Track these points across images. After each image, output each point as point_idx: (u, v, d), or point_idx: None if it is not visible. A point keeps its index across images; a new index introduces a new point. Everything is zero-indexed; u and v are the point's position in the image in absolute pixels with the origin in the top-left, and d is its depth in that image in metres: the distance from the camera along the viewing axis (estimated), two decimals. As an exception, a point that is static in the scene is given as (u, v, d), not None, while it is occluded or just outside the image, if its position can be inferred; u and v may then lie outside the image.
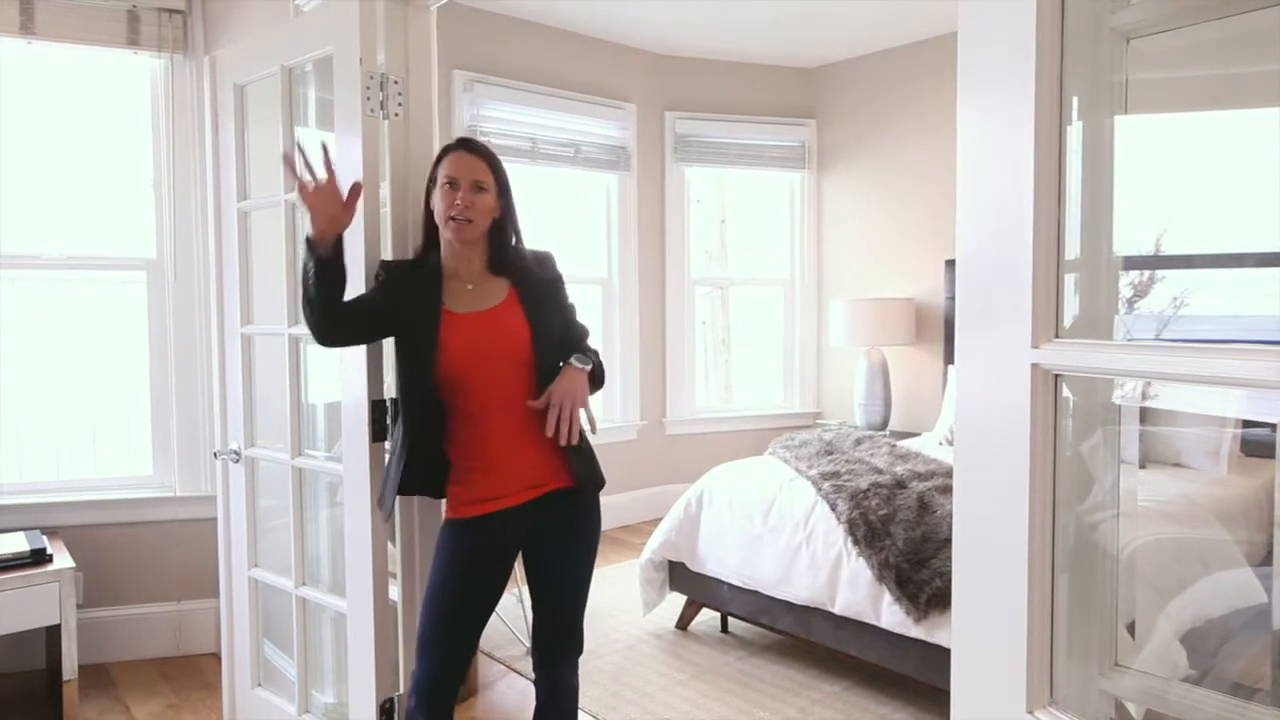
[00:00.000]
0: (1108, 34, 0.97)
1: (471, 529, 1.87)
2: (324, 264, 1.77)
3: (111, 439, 3.41)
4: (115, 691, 3.00)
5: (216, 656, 2.63)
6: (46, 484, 3.22)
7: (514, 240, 1.96)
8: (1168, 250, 1.23)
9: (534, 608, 2.00)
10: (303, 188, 1.75)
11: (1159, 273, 1.24)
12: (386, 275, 1.94)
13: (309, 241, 1.78)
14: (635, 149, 5.13)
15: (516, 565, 2.01)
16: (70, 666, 2.76)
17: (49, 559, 2.80)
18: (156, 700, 2.93)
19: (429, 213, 1.92)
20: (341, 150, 2.06)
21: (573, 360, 1.88)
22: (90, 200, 3.32)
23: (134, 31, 3.12)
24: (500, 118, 4.51)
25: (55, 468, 3.30)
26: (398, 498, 1.98)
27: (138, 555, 3.22)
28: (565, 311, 2.00)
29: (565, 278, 2.02)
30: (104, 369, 3.38)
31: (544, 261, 1.99)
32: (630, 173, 5.12)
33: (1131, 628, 1.30)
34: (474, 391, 1.85)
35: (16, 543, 2.83)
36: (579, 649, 2.00)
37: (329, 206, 1.76)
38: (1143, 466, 3.05)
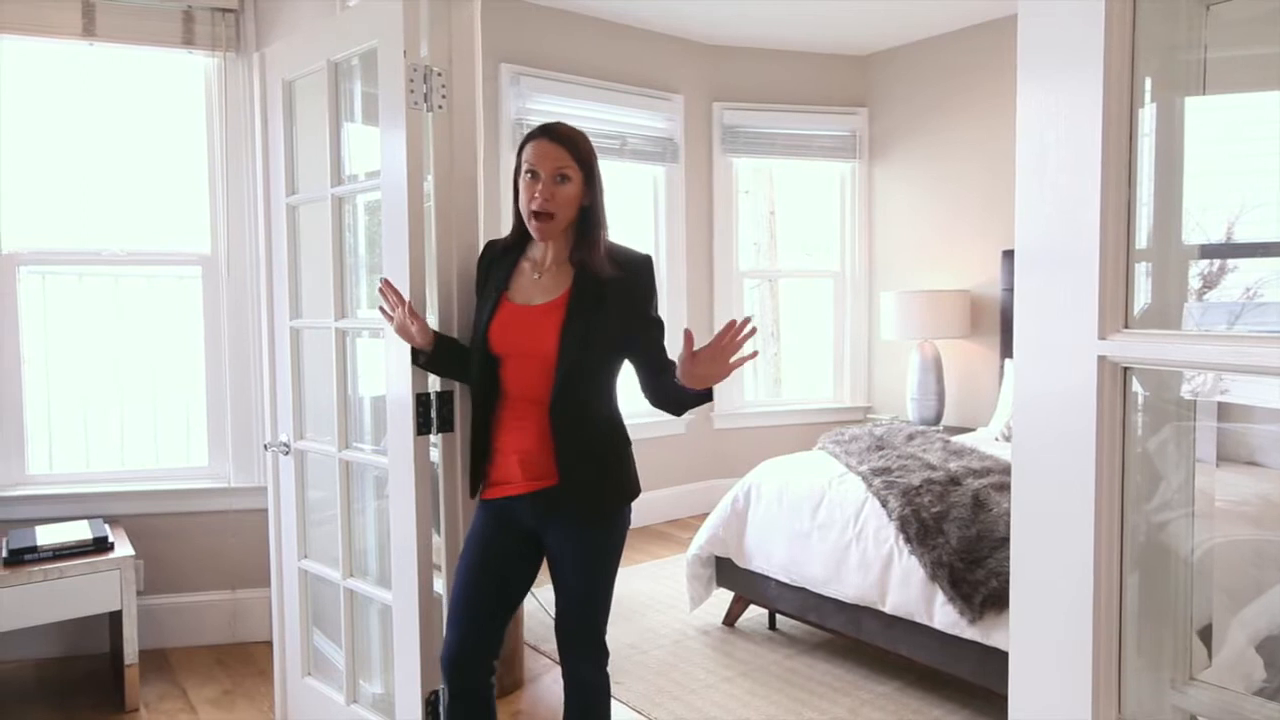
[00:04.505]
0: (1185, 1, 0.91)
1: (487, 510, 1.95)
2: (430, 358, 1.97)
3: (171, 431, 3.50)
4: (174, 676, 3.08)
5: (270, 644, 2.68)
6: (109, 474, 3.31)
7: (599, 231, 1.85)
8: (1241, 237, 1.15)
9: (555, 604, 1.98)
10: (398, 326, 1.95)
11: (1230, 262, 1.16)
12: (479, 266, 2.03)
13: (414, 352, 2.00)
14: (682, 140, 5.08)
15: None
16: (131, 651, 2.85)
17: (110, 547, 2.88)
18: (213, 686, 3.00)
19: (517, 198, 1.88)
20: (386, 143, 2.07)
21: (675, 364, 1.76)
22: (149, 198, 3.40)
23: (189, 31, 3.19)
24: (547, 110, 4.50)
25: (120, 458, 3.40)
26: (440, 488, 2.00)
27: (194, 544, 3.30)
28: (636, 325, 1.86)
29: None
30: (164, 362, 3.46)
31: (632, 267, 1.86)
32: (678, 164, 5.08)
33: (1204, 636, 1.22)
34: (505, 378, 1.89)
35: (80, 531, 2.92)
36: (598, 649, 1.93)
37: (408, 330, 1.94)
38: (1215, 465, 2.91)
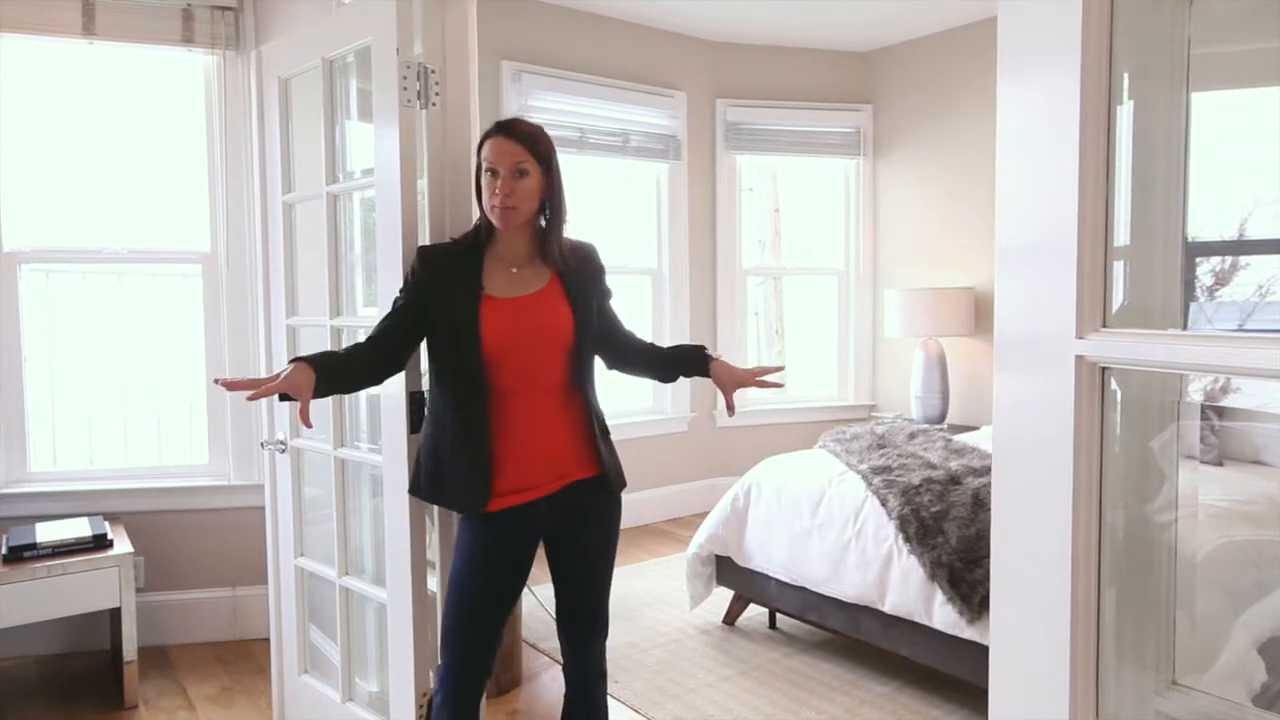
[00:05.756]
0: (1167, -4, 0.89)
1: (496, 523, 1.84)
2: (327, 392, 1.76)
3: (172, 428, 3.51)
4: (173, 673, 3.09)
5: (269, 642, 2.69)
6: (110, 471, 3.33)
7: (561, 223, 1.90)
8: (1248, 235, 1.13)
9: (558, 595, 1.98)
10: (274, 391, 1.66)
11: (1242, 259, 1.14)
12: (422, 267, 1.87)
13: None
14: (685, 137, 5.07)
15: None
16: (130, 648, 2.86)
17: (110, 544, 2.89)
18: (212, 683, 3.01)
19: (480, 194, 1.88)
20: (379, 141, 2.06)
21: (710, 353, 2.04)
22: (150, 196, 3.41)
23: (188, 29, 3.19)
24: (549, 108, 4.50)
25: (122, 455, 3.41)
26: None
27: (194, 541, 3.31)
28: (606, 301, 2.02)
29: (610, 268, 2.04)
30: (166, 359, 3.48)
31: (585, 252, 1.98)
32: (681, 162, 5.06)
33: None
34: (505, 376, 1.81)
35: (80, 528, 2.93)
36: (605, 633, 2.00)
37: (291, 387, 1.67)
38: (1219, 464, 2.88)
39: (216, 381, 1.72)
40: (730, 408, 1.95)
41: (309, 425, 1.68)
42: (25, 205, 3.21)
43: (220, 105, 3.29)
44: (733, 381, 1.97)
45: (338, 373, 1.78)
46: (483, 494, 1.81)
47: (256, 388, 1.63)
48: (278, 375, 1.67)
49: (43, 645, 3.19)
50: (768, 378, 1.96)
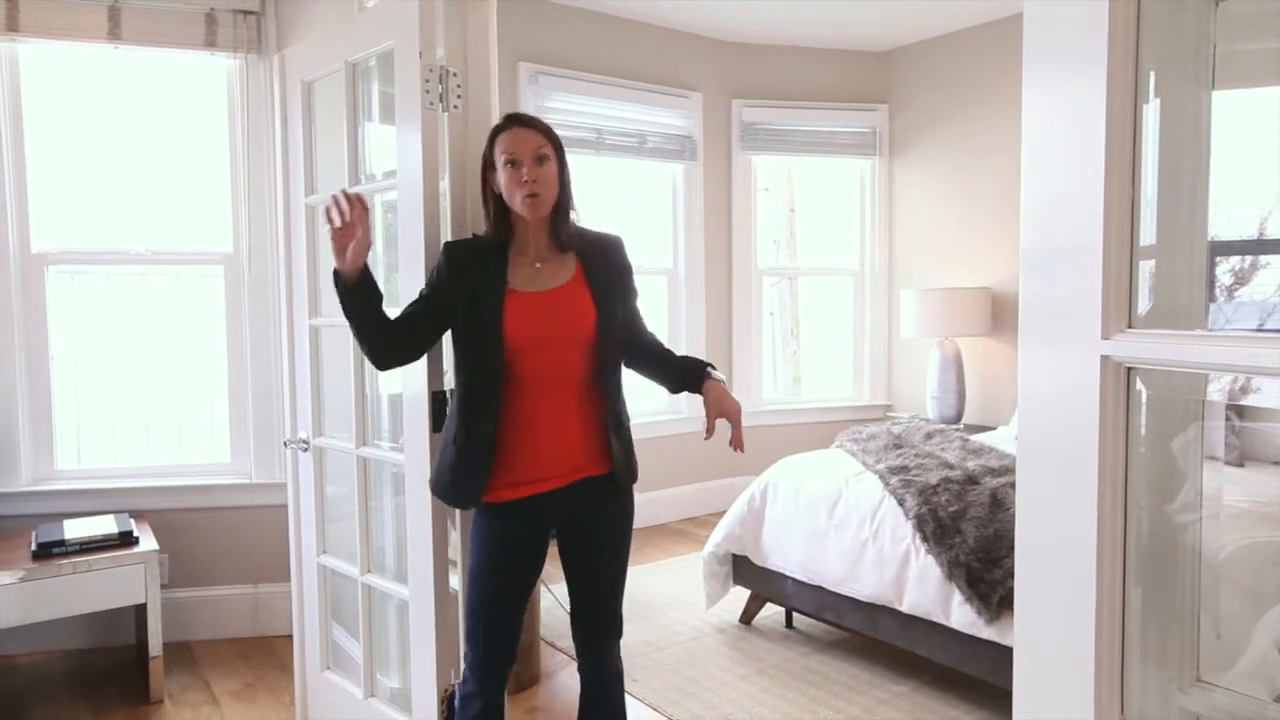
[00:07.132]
0: (1192, -2, 0.90)
1: (510, 513, 1.87)
2: (355, 288, 1.83)
3: (195, 427, 3.56)
4: (197, 669, 3.13)
5: (291, 638, 2.72)
6: (135, 469, 3.37)
7: (571, 210, 1.92)
8: (1269, 234, 1.13)
9: (572, 594, 1.99)
10: (338, 228, 1.81)
11: (1262, 259, 1.14)
12: (447, 263, 1.88)
13: (336, 275, 1.83)
14: (701, 138, 5.08)
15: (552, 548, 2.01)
16: (155, 644, 2.90)
17: (135, 541, 2.93)
18: (235, 679, 3.05)
19: (493, 196, 1.89)
20: (401, 143, 2.09)
21: (712, 374, 1.96)
22: (173, 198, 3.46)
23: (211, 33, 3.23)
24: (565, 109, 4.52)
25: (146, 454, 3.46)
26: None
27: (217, 539, 3.35)
28: (630, 299, 2.00)
29: (634, 267, 2.03)
30: (189, 359, 3.52)
31: (614, 246, 1.98)
32: (696, 162, 5.08)
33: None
34: (526, 369, 1.82)
35: (106, 525, 2.98)
36: (620, 632, 2.01)
37: (350, 235, 1.82)
38: (1240, 465, 2.87)
39: (328, 213, 1.81)
40: (709, 430, 1.87)
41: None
42: (52, 208, 3.26)
43: (243, 108, 3.33)
44: (716, 407, 1.90)
45: (374, 294, 1.85)
46: (474, 490, 1.83)
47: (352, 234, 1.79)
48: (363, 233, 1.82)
49: (69, 640, 3.24)
50: (732, 439, 1.93)
